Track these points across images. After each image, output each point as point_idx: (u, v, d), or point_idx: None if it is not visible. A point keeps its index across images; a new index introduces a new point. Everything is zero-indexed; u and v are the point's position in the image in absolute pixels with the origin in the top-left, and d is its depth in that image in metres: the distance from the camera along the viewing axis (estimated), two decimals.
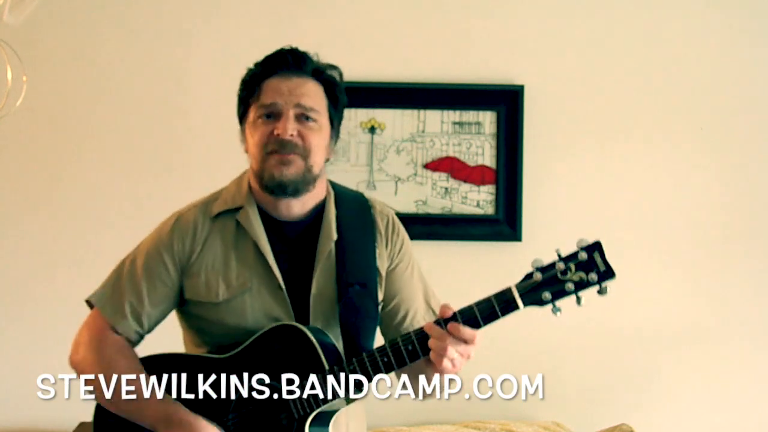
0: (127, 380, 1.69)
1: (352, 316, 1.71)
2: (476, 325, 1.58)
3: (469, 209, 3.07)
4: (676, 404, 3.07)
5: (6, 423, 3.01)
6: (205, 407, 1.68)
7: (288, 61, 1.72)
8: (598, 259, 1.53)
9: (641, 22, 3.11)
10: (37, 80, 2.92)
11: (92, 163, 3.06)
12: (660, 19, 3.11)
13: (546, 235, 2.99)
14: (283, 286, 1.72)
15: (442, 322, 1.59)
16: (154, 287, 1.75)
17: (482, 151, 3.08)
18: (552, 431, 2.91)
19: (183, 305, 1.79)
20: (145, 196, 3.02)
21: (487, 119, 3.07)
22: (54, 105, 3.05)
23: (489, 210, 3.07)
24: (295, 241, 1.75)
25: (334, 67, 1.78)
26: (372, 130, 3.06)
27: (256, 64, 1.78)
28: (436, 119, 3.07)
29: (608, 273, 1.53)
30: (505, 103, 3.06)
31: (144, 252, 1.79)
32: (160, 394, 1.68)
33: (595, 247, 1.53)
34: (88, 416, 2.87)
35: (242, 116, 1.78)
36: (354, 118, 3.04)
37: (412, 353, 1.61)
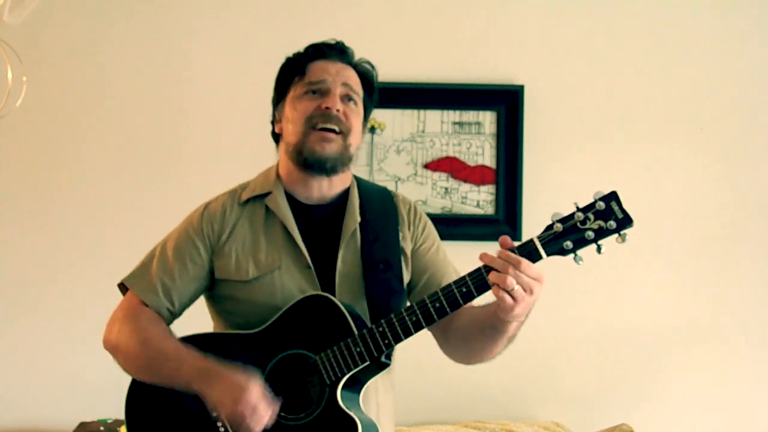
0: (163, 342, 1.75)
1: (379, 293, 1.76)
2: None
3: (469, 209, 3.07)
4: (676, 404, 3.07)
5: (6, 423, 3.01)
6: None
7: (334, 48, 1.82)
8: (616, 208, 1.58)
9: (641, 22, 3.11)
10: (37, 80, 2.92)
11: (92, 163, 3.06)
12: (660, 20, 3.11)
13: None
14: (311, 265, 1.77)
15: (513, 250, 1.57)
16: (185, 267, 1.81)
17: (482, 151, 3.08)
18: (552, 431, 2.91)
19: (213, 288, 1.83)
20: (145, 195, 3.02)
21: (487, 119, 3.07)
22: (54, 105, 3.05)
23: (489, 210, 3.07)
24: (321, 223, 1.81)
25: (372, 65, 1.89)
26: (372, 130, 3.06)
27: (298, 53, 1.85)
28: (436, 119, 3.07)
29: (626, 220, 1.58)
30: (505, 103, 3.06)
31: (175, 236, 1.85)
32: (194, 354, 1.72)
33: (612, 197, 1.59)
34: (89, 416, 2.89)
35: (282, 95, 1.84)
36: None
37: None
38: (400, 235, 1.85)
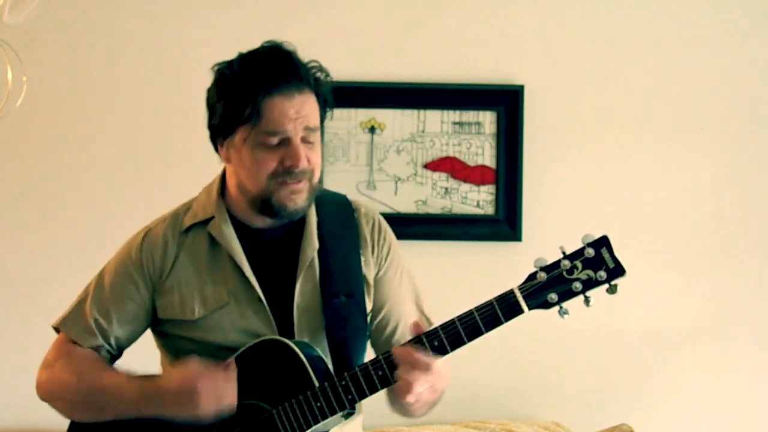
0: (100, 374, 1.63)
1: (339, 329, 1.60)
2: (478, 332, 1.48)
3: (469, 209, 3.07)
4: (676, 404, 3.07)
5: (6, 423, 3.01)
6: (187, 430, 1.57)
7: (291, 75, 1.57)
8: (606, 255, 1.44)
9: (641, 22, 3.11)
10: (37, 80, 2.92)
11: (92, 163, 3.05)
12: (660, 19, 3.11)
13: (546, 235, 2.98)
14: (264, 299, 1.61)
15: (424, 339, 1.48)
16: (123, 306, 1.66)
17: (482, 151, 3.07)
18: (552, 431, 2.91)
19: (157, 325, 1.69)
20: (145, 195, 3.01)
21: (487, 119, 3.07)
22: (54, 105, 3.05)
23: (489, 210, 3.07)
24: (274, 248, 1.64)
25: (325, 72, 1.65)
26: (372, 130, 3.06)
27: (246, 72, 1.58)
28: (436, 119, 3.07)
29: (618, 269, 1.45)
30: (505, 103, 3.06)
31: (112, 270, 1.70)
32: (130, 379, 1.61)
33: (603, 243, 1.44)
34: None
35: (226, 132, 1.61)
36: (354, 118, 3.04)
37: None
38: (363, 260, 1.66)
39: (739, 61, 3.10)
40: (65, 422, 2.92)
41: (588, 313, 3.05)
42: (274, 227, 1.64)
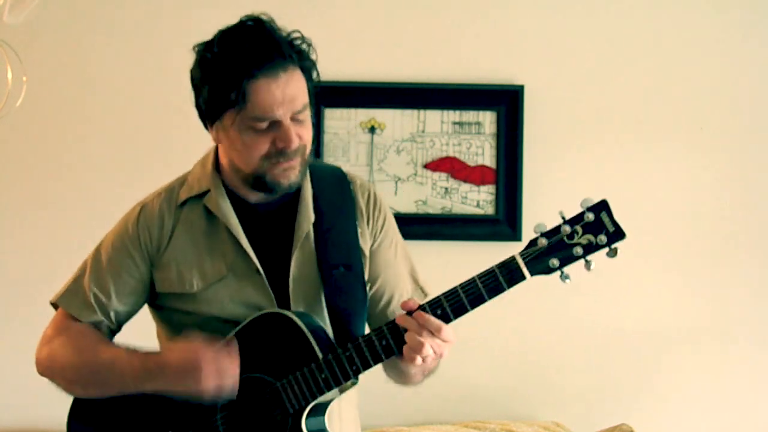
0: (100, 349, 1.62)
1: (340, 300, 1.59)
2: (480, 300, 1.48)
3: (469, 209, 3.07)
4: (676, 404, 3.07)
5: (6, 423, 3.01)
6: (190, 408, 1.57)
7: (273, 54, 1.54)
8: (606, 219, 1.43)
9: (641, 22, 3.11)
10: (37, 80, 2.92)
11: (92, 163, 3.06)
12: (660, 19, 3.11)
13: None
14: (261, 270, 1.60)
15: (427, 307, 1.49)
16: (121, 280, 1.65)
17: (482, 151, 3.08)
18: (552, 431, 2.91)
19: (155, 299, 1.68)
20: (145, 195, 3.01)
21: (487, 119, 3.07)
22: (54, 105, 3.05)
23: (489, 210, 3.07)
24: (269, 221, 1.63)
25: (307, 42, 1.63)
26: (372, 130, 3.06)
27: (228, 54, 1.55)
28: (436, 119, 3.07)
29: (618, 233, 1.43)
30: (505, 103, 3.06)
31: (109, 245, 1.70)
32: (131, 354, 1.60)
33: (602, 207, 1.44)
34: None
35: (213, 116, 1.59)
36: (354, 118, 3.04)
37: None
38: (359, 230, 1.66)
39: (739, 61, 3.10)
40: (65, 422, 2.93)
41: (588, 313, 3.06)
42: (270, 200, 1.63)
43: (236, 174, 1.61)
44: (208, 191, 1.65)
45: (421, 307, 1.49)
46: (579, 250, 1.43)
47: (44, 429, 3.00)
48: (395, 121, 3.06)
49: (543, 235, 1.45)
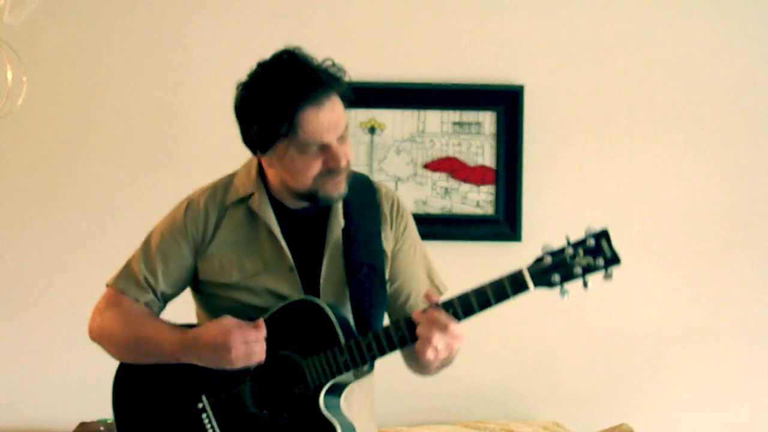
0: (145, 321, 1.82)
1: (362, 297, 1.80)
2: (487, 304, 1.66)
3: (469, 209, 3.07)
4: (676, 404, 3.07)
5: (6, 423, 3.01)
6: (223, 376, 1.77)
7: (316, 84, 1.69)
8: (605, 246, 1.60)
9: (641, 22, 3.11)
10: (37, 80, 2.92)
11: (92, 163, 3.06)
12: (660, 19, 3.11)
13: (546, 235, 2.96)
14: (295, 268, 1.80)
15: (441, 306, 1.67)
16: (168, 267, 1.84)
17: (482, 151, 3.08)
18: (552, 431, 2.91)
19: (197, 284, 1.87)
20: (145, 195, 3.02)
21: (487, 119, 3.07)
22: (54, 105, 3.05)
23: (489, 210, 3.07)
24: (303, 225, 1.82)
25: (338, 67, 1.77)
26: (372, 130, 3.06)
27: (276, 91, 1.69)
28: (436, 119, 3.07)
29: (614, 259, 1.60)
30: (505, 103, 3.06)
31: (158, 235, 1.87)
32: (171, 328, 1.81)
33: (603, 235, 1.61)
34: (89, 416, 2.88)
35: (265, 147, 1.75)
36: (354, 118, 3.04)
37: (402, 339, 1.70)
38: (383, 235, 1.87)
39: (739, 61, 3.10)
40: (65, 422, 2.93)
41: (588, 313, 3.06)
42: (306, 207, 1.82)
43: (286, 190, 1.79)
44: (252, 194, 1.83)
45: (435, 306, 1.68)
46: (578, 270, 1.61)
47: (44, 429, 3.00)
48: (395, 121, 3.07)
49: (549, 253, 1.63)
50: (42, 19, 2.98)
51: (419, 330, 1.65)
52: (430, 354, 1.63)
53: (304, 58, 1.73)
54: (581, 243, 1.62)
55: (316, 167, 1.72)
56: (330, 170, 1.72)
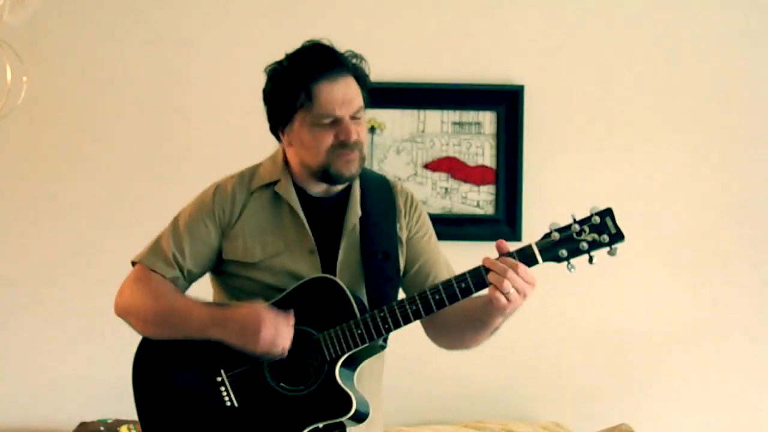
0: (174, 296, 1.88)
1: (377, 282, 1.88)
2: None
3: (469, 209, 3.07)
4: (676, 404, 3.07)
5: (6, 423, 3.01)
6: (243, 351, 1.81)
7: (333, 63, 1.84)
8: (610, 223, 1.69)
9: (642, 22, 3.11)
10: (37, 80, 2.92)
11: (92, 163, 3.06)
12: (660, 19, 3.11)
13: None
14: (316, 250, 1.88)
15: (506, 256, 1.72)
16: (196, 244, 1.91)
17: (482, 151, 3.08)
18: (552, 431, 2.91)
19: (220, 265, 1.94)
20: (145, 195, 3.02)
21: (487, 119, 3.07)
22: (54, 105, 3.05)
23: (489, 210, 3.07)
24: (324, 213, 1.92)
25: (360, 57, 1.92)
26: (372, 130, 3.06)
27: (296, 65, 1.85)
28: (436, 119, 3.07)
29: (618, 236, 1.69)
30: (505, 103, 3.06)
31: (186, 216, 1.94)
32: (201, 303, 1.86)
33: (607, 213, 1.70)
34: (89, 416, 2.88)
35: (287, 112, 1.87)
36: None
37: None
38: (398, 225, 1.96)
39: (740, 61, 3.11)
40: (65, 422, 2.93)
41: (588, 313, 3.06)
42: (327, 196, 1.92)
43: (305, 170, 1.89)
44: (278, 180, 1.92)
45: (506, 254, 1.73)
46: (584, 245, 1.69)
47: (44, 429, 3.00)
48: (395, 121, 3.07)
49: (556, 230, 1.71)
50: (42, 19, 2.98)
51: (492, 276, 1.69)
52: (503, 300, 1.67)
53: (328, 45, 1.88)
54: (587, 220, 1.70)
55: (328, 140, 1.82)
56: (342, 143, 1.82)
